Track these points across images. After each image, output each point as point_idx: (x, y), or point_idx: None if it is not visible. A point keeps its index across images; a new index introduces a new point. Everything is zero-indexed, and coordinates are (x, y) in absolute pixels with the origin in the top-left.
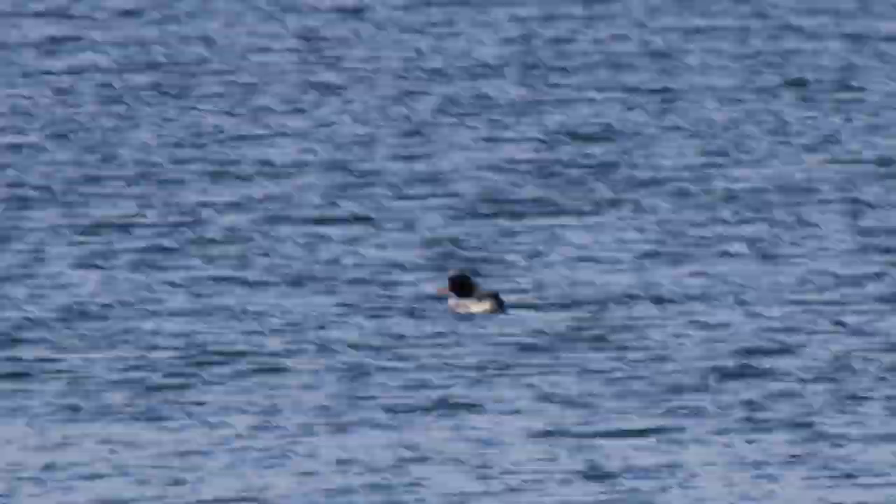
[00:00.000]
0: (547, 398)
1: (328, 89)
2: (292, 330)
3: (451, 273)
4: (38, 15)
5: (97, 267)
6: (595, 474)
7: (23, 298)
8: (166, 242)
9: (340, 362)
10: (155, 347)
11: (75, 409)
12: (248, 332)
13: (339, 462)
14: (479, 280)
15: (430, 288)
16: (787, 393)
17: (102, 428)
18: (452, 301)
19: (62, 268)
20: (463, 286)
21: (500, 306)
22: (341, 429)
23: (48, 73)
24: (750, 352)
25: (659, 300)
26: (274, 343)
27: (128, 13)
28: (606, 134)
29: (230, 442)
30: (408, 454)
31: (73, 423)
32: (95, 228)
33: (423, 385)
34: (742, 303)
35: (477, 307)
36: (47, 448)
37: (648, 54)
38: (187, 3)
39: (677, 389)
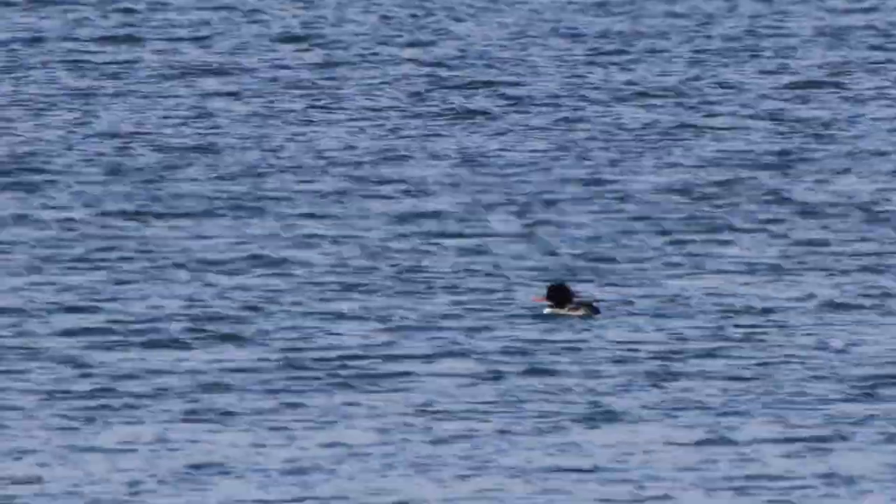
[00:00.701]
0: (688, 405)
1: (485, 113)
2: (416, 334)
3: (550, 283)
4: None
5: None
6: (745, 480)
7: (146, 305)
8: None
9: (466, 367)
10: (288, 349)
11: (199, 411)
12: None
13: (476, 468)
14: (580, 290)
15: (528, 297)
16: None
17: (224, 430)
18: (547, 310)
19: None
20: (559, 296)
21: (594, 313)
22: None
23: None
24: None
25: (803, 312)
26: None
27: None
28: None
29: (362, 447)
30: (552, 462)
31: (197, 424)
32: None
33: (563, 392)
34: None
35: (571, 313)
36: (173, 450)
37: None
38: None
39: (828, 399)
